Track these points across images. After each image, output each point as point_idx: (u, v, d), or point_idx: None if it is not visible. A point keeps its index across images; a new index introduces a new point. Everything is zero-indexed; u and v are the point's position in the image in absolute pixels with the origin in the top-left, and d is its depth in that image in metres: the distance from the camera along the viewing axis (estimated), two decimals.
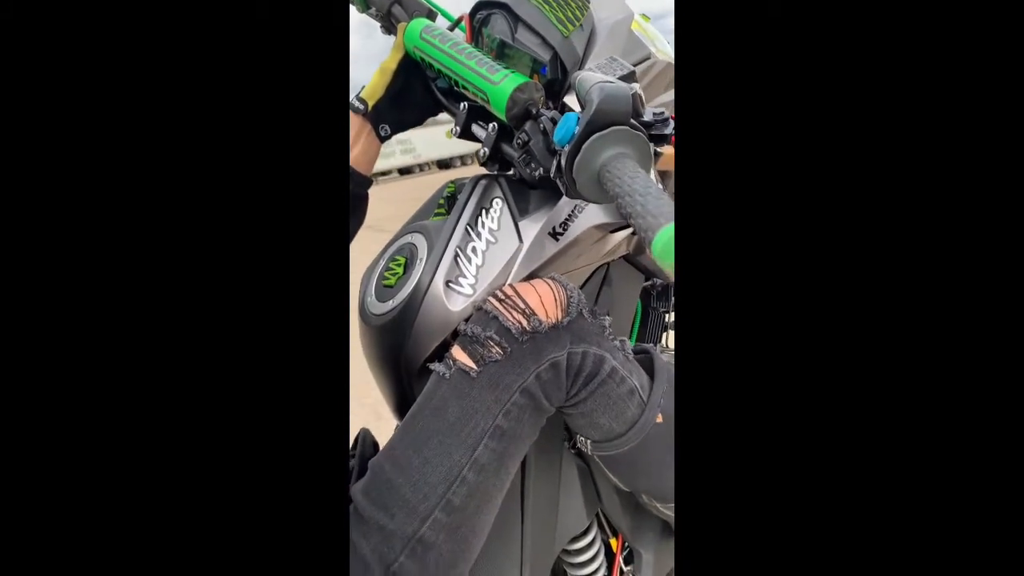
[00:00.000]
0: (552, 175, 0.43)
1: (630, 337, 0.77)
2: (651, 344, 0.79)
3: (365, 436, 0.64)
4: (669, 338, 0.84)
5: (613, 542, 0.73)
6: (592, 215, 0.57)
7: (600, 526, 0.73)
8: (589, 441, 0.53)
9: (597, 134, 0.37)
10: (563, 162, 0.40)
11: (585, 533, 0.68)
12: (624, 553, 0.73)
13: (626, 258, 0.66)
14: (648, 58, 0.62)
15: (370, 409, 1.75)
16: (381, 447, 0.58)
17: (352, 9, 0.70)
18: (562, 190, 0.43)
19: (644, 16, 0.68)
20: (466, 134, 0.62)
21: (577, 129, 0.38)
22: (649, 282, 0.77)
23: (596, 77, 0.40)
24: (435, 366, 0.50)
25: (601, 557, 0.70)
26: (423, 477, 0.45)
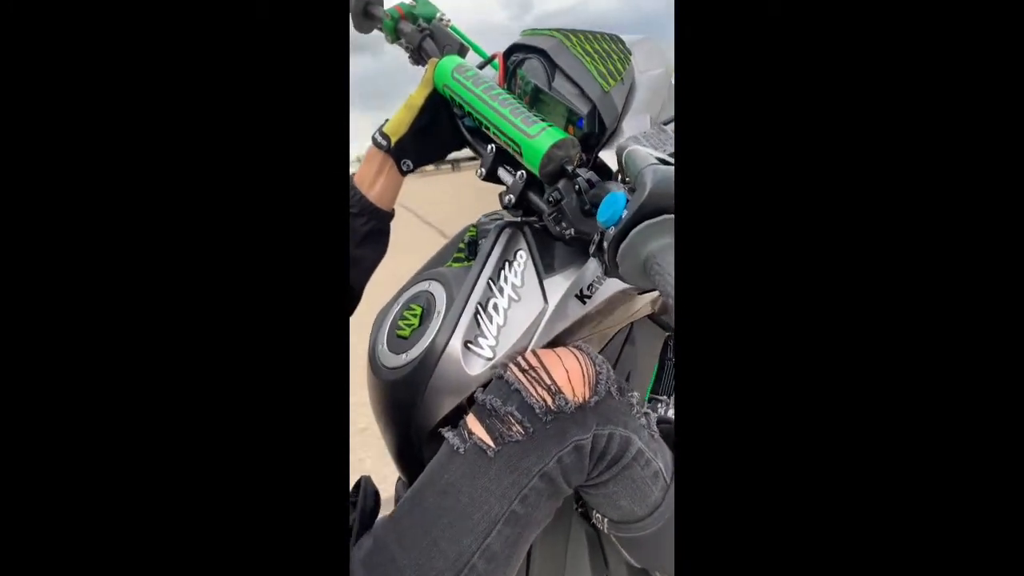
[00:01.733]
0: (591, 252, 0.40)
1: (646, 389, 0.74)
2: (667, 397, 0.76)
3: (366, 485, 0.60)
4: None
5: None
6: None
7: None
8: (606, 520, 0.50)
9: (647, 222, 0.35)
10: (606, 244, 0.37)
11: None
12: None
13: (650, 316, 0.64)
14: None
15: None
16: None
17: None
18: (600, 268, 0.40)
19: None
20: (492, 177, 0.59)
21: (625, 213, 0.36)
22: (668, 334, 0.74)
23: (647, 156, 0.37)
24: (449, 435, 0.47)
25: None
26: (429, 561, 0.42)
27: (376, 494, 0.61)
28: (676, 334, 0.71)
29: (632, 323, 0.62)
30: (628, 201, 0.36)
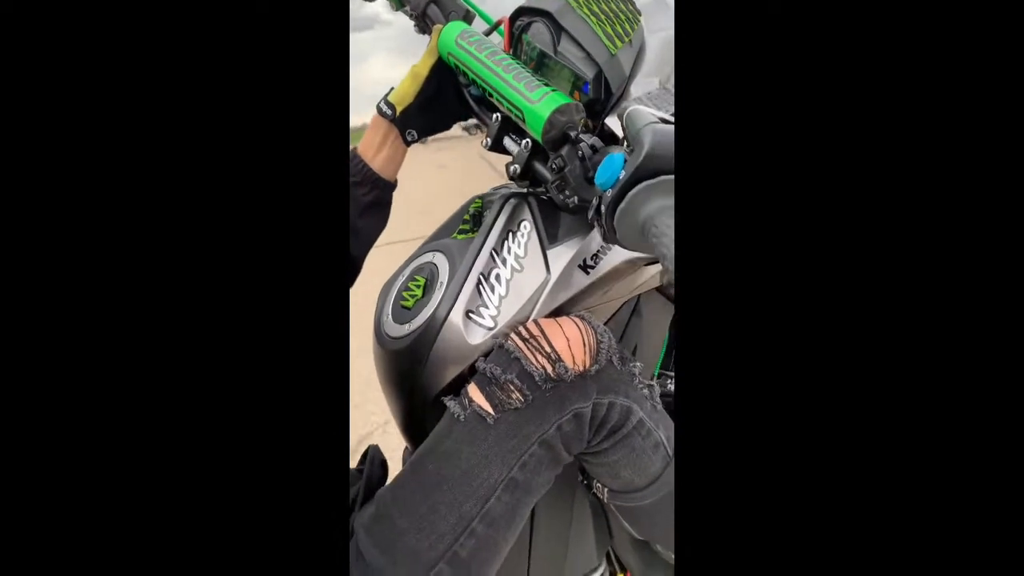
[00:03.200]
0: (589, 217, 0.39)
1: (655, 366, 0.73)
2: (672, 375, 0.75)
3: (374, 455, 0.62)
4: None
5: None
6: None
7: (608, 559, 0.70)
8: (606, 489, 0.50)
9: (645, 182, 0.33)
10: (603, 207, 0.36)
11: (593, 570, 0.65)
12: None
13: (658, 289, 0.63)
14: None
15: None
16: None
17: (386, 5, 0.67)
18: (599, 234, 0.39)
19: None
20: (497, 146, 0.58)
21: (622, 174, 0.34)
22: None
23: (647, 114, 0.36)
24: (450, 403, 0.47)
25: None
26: (430, 525, 0.42)
27: (384, 463, 0.62)
28: (676, 302, 0.70)
29: (639, 296, 0.61)
30: (626, 162, 0.35)
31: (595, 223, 0.38)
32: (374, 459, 0.60)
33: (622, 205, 0.34)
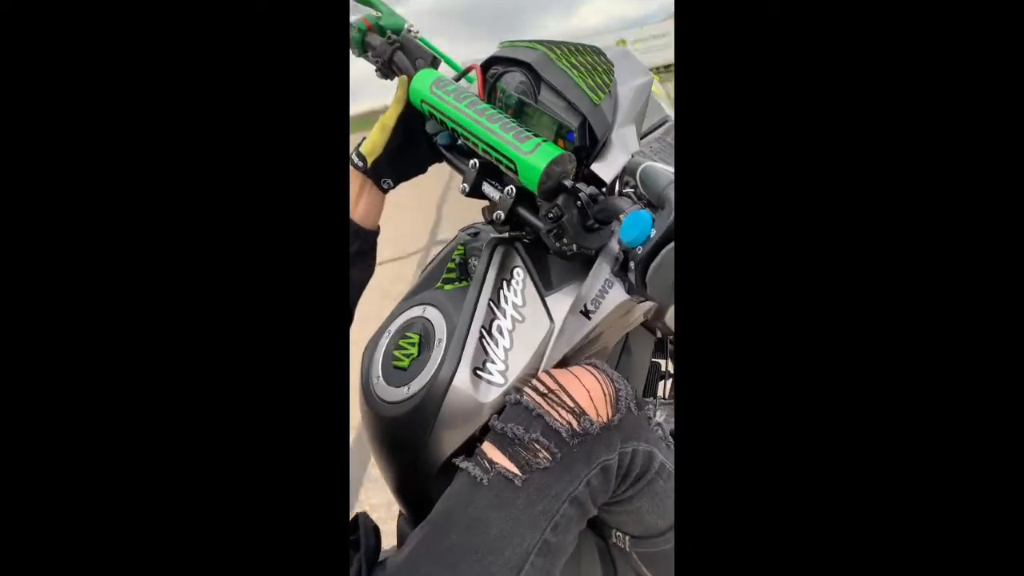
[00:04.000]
0: (613, 272, 0.40)
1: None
2: (652, 399, 0.77)
3: (365, 522, 0.57)
4: (666, 387, 0.83)
5: None
6: (623, 289, 0.54)
7: None
8: (628, 537, 0.50)
9: None
10: (632, 264, 0.36)
11: None
12: None
13: (643, 324, 0.64)
14: (666, 120, 0.60)
15: None
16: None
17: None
18: (623, 287, 0.39)
19: (655, 73, 0.67)
20: (476, 192, 0.57)
21: (653, 232, 0.35)
22: (655, 337, 0.75)
23: (665, 172, 0.37)
24: (467, 466, 0.45)
25: None
26: None
27: (376, 530, 0.58)
28: (676, 341, 0.72)
29: (627, 333, 0.62)
30: (654, 220, 0.36)
31: (619, 277, 0.39)
32: (366, 527, 0.56)
33: (656, 262, 0.35)
